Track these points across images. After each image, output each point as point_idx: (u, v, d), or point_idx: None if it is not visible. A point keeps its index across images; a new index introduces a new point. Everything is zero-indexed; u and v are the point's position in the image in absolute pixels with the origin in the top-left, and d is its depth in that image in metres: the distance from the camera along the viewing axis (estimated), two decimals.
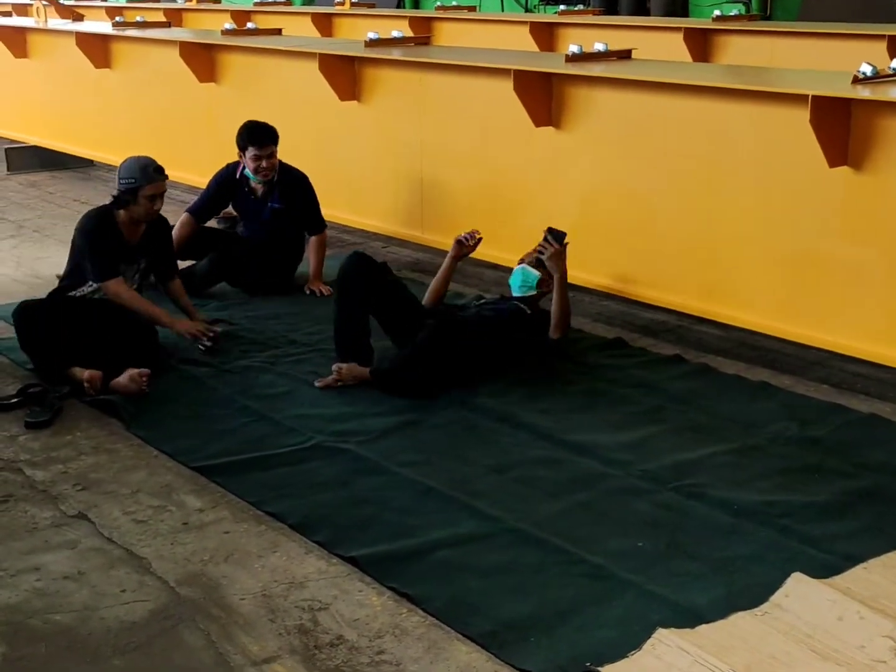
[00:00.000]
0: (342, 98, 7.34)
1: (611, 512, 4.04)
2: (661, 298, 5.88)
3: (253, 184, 6.73)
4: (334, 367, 5.24)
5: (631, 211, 5.94)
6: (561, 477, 4.32)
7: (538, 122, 6.17)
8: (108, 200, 5.68)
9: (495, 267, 6.81)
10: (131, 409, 4.95)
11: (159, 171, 5.60)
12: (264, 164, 6.65)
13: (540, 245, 5.59)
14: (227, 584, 3.61)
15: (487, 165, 6.64)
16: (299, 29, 11.59)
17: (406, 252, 7.65)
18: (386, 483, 4.28)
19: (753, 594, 3.48)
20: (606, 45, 6.35)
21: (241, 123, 8.29)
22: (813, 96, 4.85)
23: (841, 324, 5.16)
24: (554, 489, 4.22)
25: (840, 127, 4.94)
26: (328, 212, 7.71)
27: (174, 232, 6.40)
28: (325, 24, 12.00)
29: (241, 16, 12.29)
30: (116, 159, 9.69)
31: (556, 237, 5.55)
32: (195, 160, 8.85)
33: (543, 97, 6.16)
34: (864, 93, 4.94)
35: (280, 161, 6.73)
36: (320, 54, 7.26)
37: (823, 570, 3.61)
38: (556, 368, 5.45)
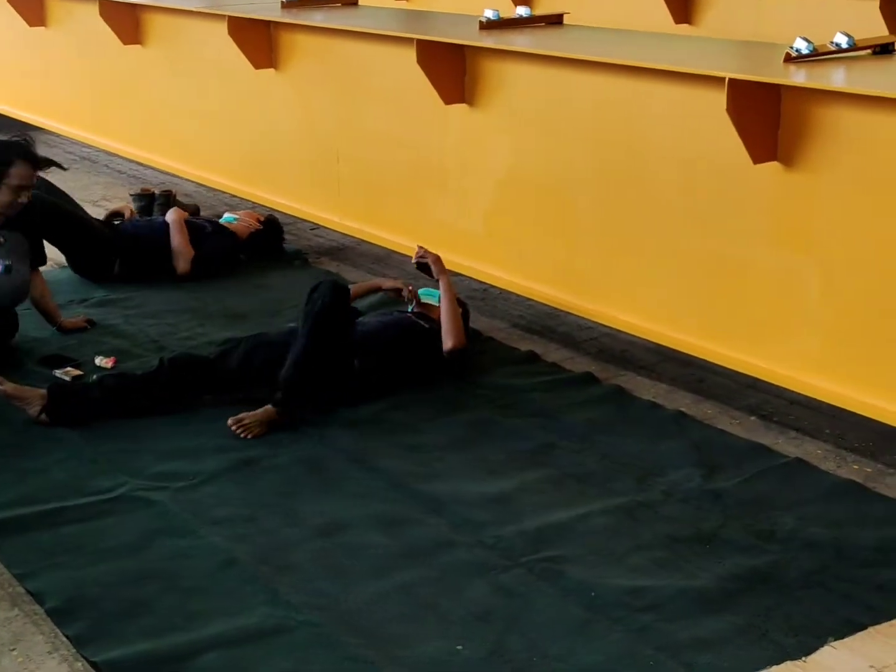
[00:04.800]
0: (257, 66, 6.58)
1: (438, 599, 3.31)
2: (578, 305, 5.11)
3: None
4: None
5: (549, 203, 5.17)
6: (396, 545, 3.59)
7: (448, 99, 5.39)
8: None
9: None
10: None
11: None
12: None
13: (420, 251, 5.05)
14: None
15: (401, 145, 5.88)
16: None
17: (334, 237, 6.90)
18: (186, 549, 3.57)
19: None
20: (529, 9, 5.54)
21: (168, 91, 7.64)
22: (730, 79, 4.04)
23: (770, 346, 4.39)
24: (381, 564, 3.49)
25: (767, 116, 4.14)
26: (247, 189, 7.07)
27: None
28: None
29: None
30: (56, 125, 9.12)
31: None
32: (123, 128, 8.17)
33: (454, 71, 5.37)
34: (796, 76, 4.13)
35: None
36: (230, 17, 6.50)
37: None
38: (447, 390, 4.71)
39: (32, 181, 4.94)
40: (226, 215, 6.55)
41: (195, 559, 3.52)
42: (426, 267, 4.98)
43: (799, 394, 4.46)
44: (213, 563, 3.49)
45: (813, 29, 5.96)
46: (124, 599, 3.32)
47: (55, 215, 5.75)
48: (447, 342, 4.75)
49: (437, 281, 4.93)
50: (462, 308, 5.00)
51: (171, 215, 6.21)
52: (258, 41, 6.55)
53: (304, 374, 4.39)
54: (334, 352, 4.49)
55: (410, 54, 5.36)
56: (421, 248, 5.05)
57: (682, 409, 4.52)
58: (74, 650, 3.10)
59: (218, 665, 3.03)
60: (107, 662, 3.02)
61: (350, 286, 5.43)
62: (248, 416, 4.34)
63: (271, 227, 6.56)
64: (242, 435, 4.28)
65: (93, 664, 3.03)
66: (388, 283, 5.26)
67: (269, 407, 4.36)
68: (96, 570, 3.46)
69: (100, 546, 3.60)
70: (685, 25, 8.30)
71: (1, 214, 4.87)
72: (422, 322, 4.87)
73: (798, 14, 7.45)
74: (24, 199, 4.86)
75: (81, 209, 6.37)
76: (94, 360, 4.99)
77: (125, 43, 7.75)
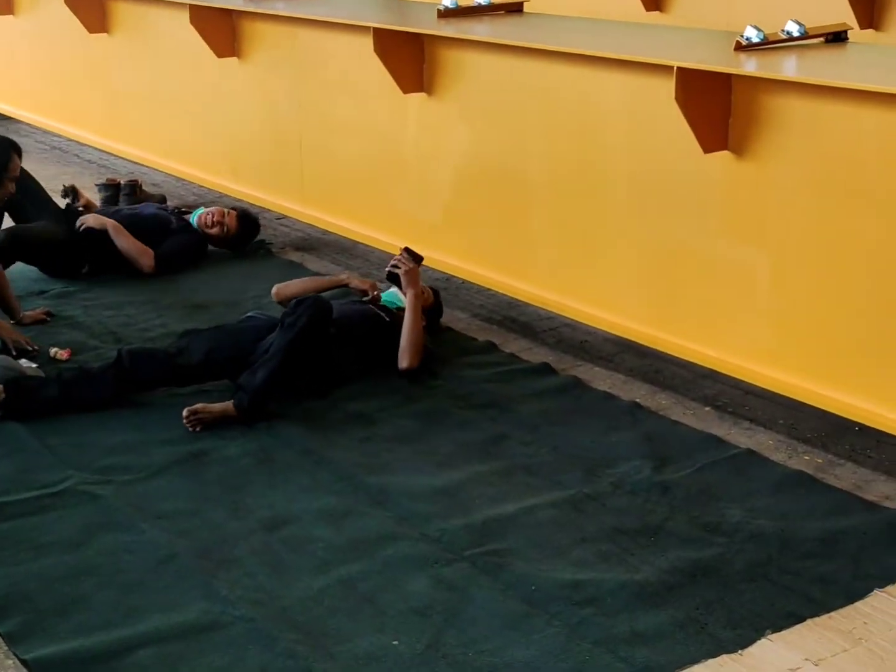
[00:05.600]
0: (220, 55, 6.54)
1: (378, 593, 3.28)
2: (536, 296, 5.10)
3: None
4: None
5: (507, 193, 5.15)
6: (340, 538, 3.56)
7: (407, 89, 5.36)
8: None
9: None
10: None
11: None
12: None
13: (395, 259, 4.87)
14: None
15: (362, 135, 5.84)
16: None
17: (299, 226, 6.85)
18: (127, 545, 3.54)
19: None
20: None
21: (135, 80, 7.60)
22: (679, 68, 4.02)
23: (722, 337, 4.37)
24: (324, 557, 3.46)
25: (718, 105, 4.12)
26: (212, 179, 7.02)
27: None
28: None
29: None
30: (25, 114, 9.06)
31: (412, 256, 4.86)
32: (90, 117, 8.12)
33: (412, 59, 5.34)
34: (746, 65, 4.10)
35: None
36: (191, 5, 6.46)
37: None
38: (400, 381, 4.68)
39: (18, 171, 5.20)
40: (193, 215, 6.36)
41: (135, 554, 3.49)
42: (396, 278, 4.85)
43: (754, 384, 4.44)
44: (153, 559, 3.46)
45: (785, 16, 5.94)
46: (61, 595, 3.29)
47: (23, 244, 5.81)
48: (402, 361, 4.69)
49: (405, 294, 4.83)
50: (435, 300, 5.03)
51: (108, 226, 6.00)
52: (220, 30, 6.52)
53: (273, 387, 4.35)
54: (307, 368, 4.47)
55: (368, 43, 5.33)
56: (403, 252, 4.87)
57: (637, 400, 4.50)
58: (6, 648, 3.07)
59: (151, 662, 3.00)
60: (37, 660, 2.99)
61: (317, 278, 5.46)
62: (204, 410, 4.29)
63: (247, 226, 6.43)
64: (192, 428, 4.24)
65: (23, 662, 3.00)
66: (355, 282, 5.23)
67: (228, 405, 4.31)
68: (34, 566, 3.43)
69: (40, 541, 3.56)
70: (656, 13, 8.26)
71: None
72: (383, 314, 4.84)
73: (770, 1, 7.42)
74: (13, 188, 5.15)
75: (53, 203, 6.30)
76: (48, 352, 4.95)
77: (91, 32, 7.71)
